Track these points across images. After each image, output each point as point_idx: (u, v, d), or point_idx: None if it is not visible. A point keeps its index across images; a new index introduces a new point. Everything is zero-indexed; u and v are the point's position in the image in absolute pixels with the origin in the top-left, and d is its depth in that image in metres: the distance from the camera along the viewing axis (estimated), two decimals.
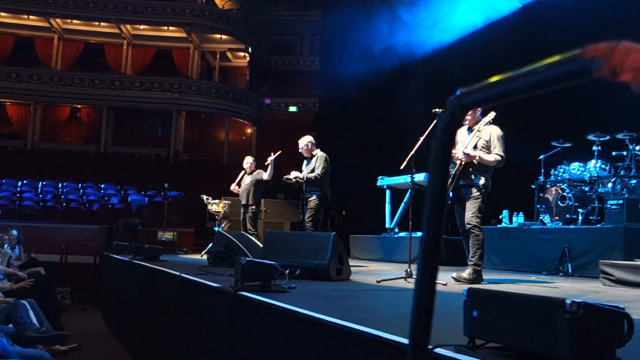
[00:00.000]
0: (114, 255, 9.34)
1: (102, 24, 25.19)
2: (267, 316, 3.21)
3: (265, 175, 9.50)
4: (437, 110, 5.30)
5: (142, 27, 25.54)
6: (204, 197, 10.55)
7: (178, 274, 5.15)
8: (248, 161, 9.99)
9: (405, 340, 1.90)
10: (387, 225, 10.73)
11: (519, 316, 1.63)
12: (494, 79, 0.68)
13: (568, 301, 1.48)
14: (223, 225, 10.51)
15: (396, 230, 10.48)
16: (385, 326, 2.20)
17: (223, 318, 3.93)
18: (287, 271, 4.93)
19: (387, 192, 10.76)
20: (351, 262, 9.17)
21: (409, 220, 6.21)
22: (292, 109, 26.69)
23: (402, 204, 10.29)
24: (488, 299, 1.74)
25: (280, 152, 9.47)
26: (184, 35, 25.51)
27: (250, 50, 27.40)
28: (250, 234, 8.75)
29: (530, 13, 9.86)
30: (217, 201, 10.35)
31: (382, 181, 10.74)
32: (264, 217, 12.94)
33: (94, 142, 25.57)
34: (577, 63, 0.54)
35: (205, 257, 7.84)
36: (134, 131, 27.01)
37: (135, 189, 19.97)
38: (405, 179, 9.31)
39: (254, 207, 9.68)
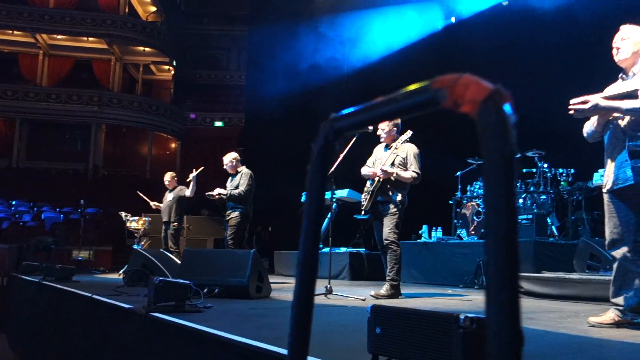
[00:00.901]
0: (23, 277, 8.82)
1: (15, 32, 24.03)
2: (180, 337, 3.13)
3: (188, 192, 9.31)
4: None
5: (59, 37, 24.55)
6: (123, 214, 10.20)
7: (89, 295, 4.92)
8: (168, 177, 9.76)
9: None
10: None
11: (418, 332, 1.66)
12: (363, 104, 0.70)
13: (462, 316, 1.52)
14: (143, 243, 10.19)
15: (320, 246, 10.52)
16: None
17: (135, 341, 3.79)
18: (205, 290, 4.84)
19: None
20: (276, 279, 9.17)
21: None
22: (218, 123, 26.42)
23: (326, 219, 10.37)
24: (390, 316, 1.77)
25: (202, 168, 9.32)
26: (104, 46, 24.75)
27: (175, 63, 26.93)
28: (172, 252, 8.54)
29: (454, 31, 10.24)
30: (136, 218, 10.03)
31: None
32: (186, 234, 12.66)
33: (4, 156, 24.21)
34: (426, 93, 0.56)
35: (122, 276, 7.56)
36: (50, 145, 25.80)
37: (49, 205, 19.03)
38: (328, 195, 9.39)
39: (175, 224, 9.44)
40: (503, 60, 9.03)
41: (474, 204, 8.25)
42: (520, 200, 7.96)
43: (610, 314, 3.39)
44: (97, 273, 11.10)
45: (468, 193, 8.64)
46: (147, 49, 25.55)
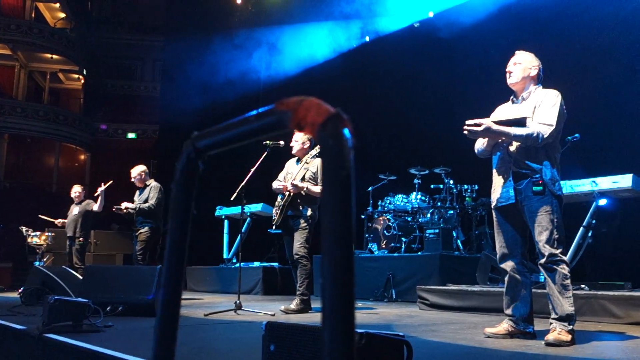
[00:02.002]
0: None
1: None
2: (75, 358, 2.98)
3: (95, 207, 8.94)
4: (268, 142, 5.41)
5: None
6: (23, 228, 9.63)
7: None
8: (76, 190, 9.33)
9: None
10: (224, 256, 10.62)
11: (310, 348, 1.67)
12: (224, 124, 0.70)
13: None
14: (45, 260, 9.66)
15: (234, 260, 10.40)
16: None
17: None
18: (108, 308, 4.66)
19: (226, 222, 10.69)
20: (188, 295, 8.94)
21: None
22: (131, 135, 25.58)
23: (240, 234, 10.28)
24: (283, 332, 1.77)
25: (111, 181, 8.99)
26: (8, 52, 23.39)
27: (85, 72, 25.86)
28: (77, 269, 8.15)
29: (374, 47, 10.43)
30: (38, 233, 9.51)
31: (221, 211, 10.66)
32: (93, 249, 12.13)
33: None
34: (273, 115, 0.57)
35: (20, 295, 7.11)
36: None
37: None
38: (238, 210, 9.33)
39: (81, 239, 9.03)
40: (412, 80, 9.36)
41: (385, 218, 8.45)
42: (429, 215, 8.24)
43: (504, 325, 3.57)
44: None
45: (379, 208, 8.83)
46: (54, 57, 24.35)
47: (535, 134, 3.36)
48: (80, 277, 6.41)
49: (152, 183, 7.72)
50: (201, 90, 12.45)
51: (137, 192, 7.78)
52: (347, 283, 0.52)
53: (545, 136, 3.36)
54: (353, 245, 0.53)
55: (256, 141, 0.64)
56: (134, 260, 7.65)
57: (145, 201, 7.53)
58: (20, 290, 8.20)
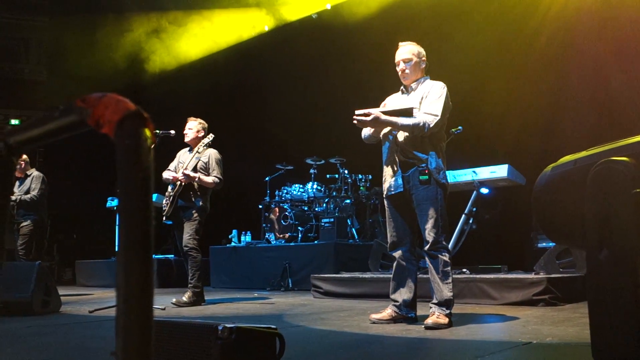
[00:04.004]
0: None
1: None
2: None
3: None
4: (158, 131, 5.23)
5: None
6: None
7: None
8: None
9: None
10: (116, 249, 10.22)
11: (183, 343, 1.64)
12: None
13: (220, 327, 1.53)
14: None
15: None
16: None
17: None
18: None
19: (117, 214, 10.29)
20: (76, 290, 8.50)
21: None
22: (14, 122, 23.86)
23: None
24: (159, 329, 1.72)
25: None
26: None
27: None
28: None
29: (273, 36, 10.32)
30: None
31: (112, 202, 10.23)
32: None
33: None
34: (73, 112, 0.53)
35: None
36: None
37: None
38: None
39: None
40: (309, 70, 9.40)
41: (281, 208, 8.48)
42: (324, 204, 8.36)
43: (388, 310, 3.70)
44: None
45: (276, 197, 8.84)
46: None
47: (421, 124, 3.49)
48: None
49: (34, 172, 7.25)
50: (91, 74, 11.82)
51: (17, 183, 7.27)
52: (145, 289, 0.50)
53: (431, 126, 3.50)
54: (152, 249, 0.51)
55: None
56: (17, 255, 7.16)
57: (27, 192, 7.07)
58: None
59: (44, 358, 2.32)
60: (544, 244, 6.13)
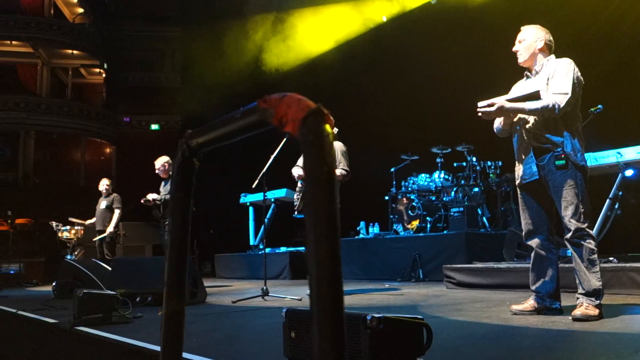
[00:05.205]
0: None
1: None
2: (105, 350, 3.05)
3: (113, 222, 9.07)
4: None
5: None
6: (53, 223, 9.82)
7: (14, 311, 4.73)
8: (104, 184, 9.46)
9: None
10: (251, 242, 10.72)
11: None
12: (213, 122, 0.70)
13: (369, 317, 1.55)
14: (76, 253, 9.86)
15: (260, 246, 10.49)
16: (213, 352, 2.17)
17: (62, 356, 3.67)
18: (138, 299, 4.75)
19: (250, 209, 10.77)
20: (217, 282, 9.06)
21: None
22: (154, 126, 25.83)
23: (265, 220, 10.37)
24: (303, 319, 1.78)
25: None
26: (29, 50, 23.71)
27: (105, 66, 26.11)
28: (108, 261, 8.30)
29: (393, 25, 10.32)
30: (68, 227, 9.68)
31: (245, 198, 10.74)
32: (122, 241, 12.33)
33: None
34: (256, 113, 0.57)
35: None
36: None
37: None
38: (260, 197, 9.38)
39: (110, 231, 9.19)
40: (431, 58, 9.23)
41: (408, 199, 8.42)
42: (452, 193, 8.18)
43: (531, 301, 3.54)
44: (29, 286, 10.66)
45: (402, 188, 8.79)
46: (75, 52, 24.63)
47: (551, 105, 3.30)
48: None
49: None
50: (221, 79, 12.47)
51: (162, 183, 7.85)
52: (334, 279, 0.51)
53: (562, 105, 3.29)
54: (339, 242, 0.52)
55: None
56: (164, 250, 7.77)
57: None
58: (53, 284, 8.44)
59: (203, 344, 2.49)
60: None
